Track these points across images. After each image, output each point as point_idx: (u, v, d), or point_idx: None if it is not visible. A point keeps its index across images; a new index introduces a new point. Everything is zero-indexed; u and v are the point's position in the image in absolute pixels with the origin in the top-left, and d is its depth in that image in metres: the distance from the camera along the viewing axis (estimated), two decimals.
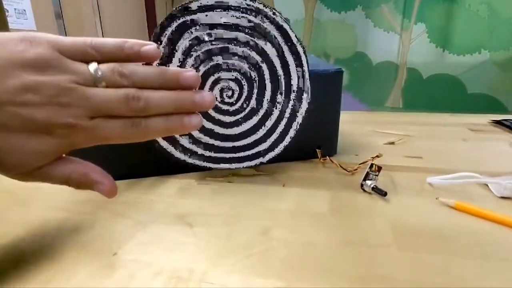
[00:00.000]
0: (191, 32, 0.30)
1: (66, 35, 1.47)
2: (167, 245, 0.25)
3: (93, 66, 0.22)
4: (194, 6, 0.30)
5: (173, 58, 0.30)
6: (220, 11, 0.30)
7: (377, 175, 0.33)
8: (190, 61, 0.31)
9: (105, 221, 0.28)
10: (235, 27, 0.31)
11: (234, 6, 0.30)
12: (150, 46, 0.24)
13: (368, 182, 0.33)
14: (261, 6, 0.31)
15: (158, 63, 0.29)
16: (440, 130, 0.57)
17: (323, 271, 0.22)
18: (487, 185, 0.33)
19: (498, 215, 0.28)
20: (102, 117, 0.22)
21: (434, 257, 0.23)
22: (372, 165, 0.33)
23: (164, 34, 0.29)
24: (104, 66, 0.22)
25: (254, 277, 0.21)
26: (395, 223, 0.27)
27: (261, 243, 0.25)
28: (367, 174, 0.33)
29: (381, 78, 1.86)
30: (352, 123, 0.61)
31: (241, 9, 0.31)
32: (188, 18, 0.30)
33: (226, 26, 0.31)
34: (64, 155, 0.23)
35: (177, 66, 0.31)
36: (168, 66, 0.30)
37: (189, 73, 0.24)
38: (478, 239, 0.25)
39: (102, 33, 1.63)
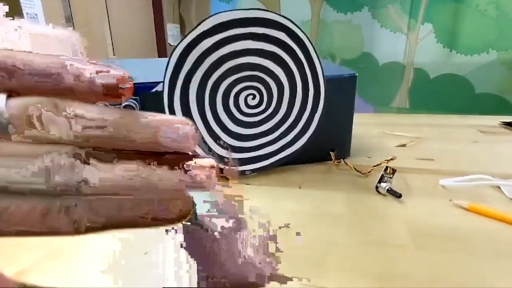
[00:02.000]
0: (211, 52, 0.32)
1: None
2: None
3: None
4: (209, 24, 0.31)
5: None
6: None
7: (391, 178, 0.34)
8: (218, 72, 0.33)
9: None
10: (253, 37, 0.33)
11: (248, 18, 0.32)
12: (118, 72, 0.13)
13: (383, 185, 0.34)
14: (272, 16, 0.33)
15: None
16: (450, 131, 0.58)
17: (345, 269, 0.23)
18: (499, 187, 0.34)
19: (511, 216, 0.28)
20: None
21: (450, 256, 0.24)
22: (386, 167, 0.34)
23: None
24: (18, 102, 0.12)
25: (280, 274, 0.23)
26: (411, 224, 0.29)
27: (282, 243, 0.26)
28: (382, 176, 0.34)
29: (388, 79, 1.86)
30: (362, 125, 0.62)
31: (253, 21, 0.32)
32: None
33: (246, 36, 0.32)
34: None
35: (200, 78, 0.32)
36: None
37: (186, 127, 0.13)
38: (492, 239, 0.26)
39: (111, 35, 1.65)
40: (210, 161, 0.14)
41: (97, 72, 0.12)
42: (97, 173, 0.13)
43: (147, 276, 0.23)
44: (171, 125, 0.13)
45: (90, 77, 0.12)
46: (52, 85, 0.12)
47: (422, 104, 1.85)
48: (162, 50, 1.97)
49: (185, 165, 0.13)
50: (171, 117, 0.13)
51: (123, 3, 1.75)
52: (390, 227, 0.28)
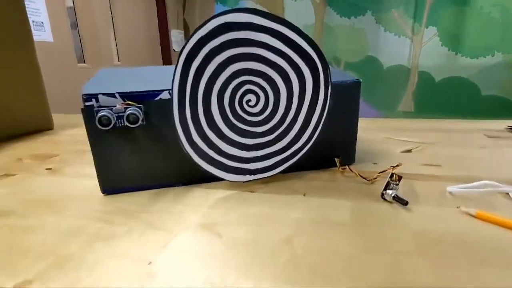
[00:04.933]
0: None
1: (81, 44, 1.51)
2: (198, 254, 0.26)
3: None
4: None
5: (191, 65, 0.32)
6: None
7: (397, 184, 0.34)
8: (212, 65, 0.33)
9: (138, 231, 0.29)
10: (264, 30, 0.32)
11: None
12: None
13: (389, 192, 0.33)
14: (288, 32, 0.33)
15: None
16: (457, 136, 0.57)
17: (349, 278, 0.23)
18: (508, 193, 0.34)
19: None
20: None
21: (456, 265, 0.24)
22: (392, 174, 0.34)
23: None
24: None
25: (283, 283, 0.22)
26: (417, 232, 0.28)
27: (287, 251, 0.26)
28: (388, 183, 0.34)
29: (393, 82, 1.85)
30: (367, 130, 0.62)
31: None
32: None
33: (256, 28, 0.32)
34: None
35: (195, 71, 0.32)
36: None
37: None
38: (500, 248, 0.26)
39: (116, 41, 1.67)
40: None
41: None
42: None
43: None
44: None
45: None
46: None
47: (427, 107, 1.83)
48: (167, 56, 1.98)
49: None
50: None
51: (127, 10, 1.77)
52: (395, 235, 0.28)
